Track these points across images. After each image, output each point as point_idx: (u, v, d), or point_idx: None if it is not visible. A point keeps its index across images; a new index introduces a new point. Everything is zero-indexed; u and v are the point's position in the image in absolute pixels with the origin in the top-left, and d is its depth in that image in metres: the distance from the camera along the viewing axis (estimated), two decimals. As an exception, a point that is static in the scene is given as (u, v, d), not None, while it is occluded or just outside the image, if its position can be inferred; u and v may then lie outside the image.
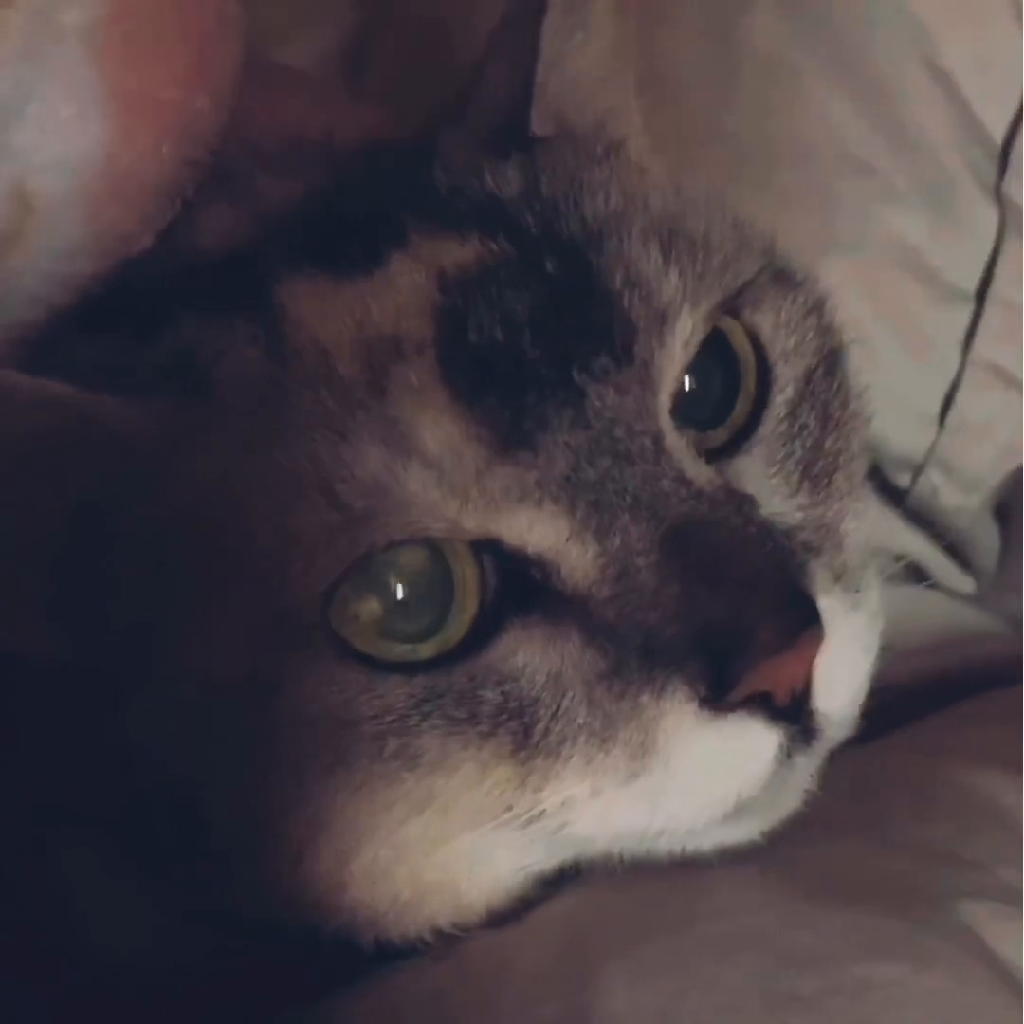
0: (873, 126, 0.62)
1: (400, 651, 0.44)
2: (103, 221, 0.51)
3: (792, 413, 0.50)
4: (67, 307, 0.51)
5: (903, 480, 0.65)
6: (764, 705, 0.44)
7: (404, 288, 0.47)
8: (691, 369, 0.48)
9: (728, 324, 0.50)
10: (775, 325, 0.51)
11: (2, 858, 0.49)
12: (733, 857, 0.47)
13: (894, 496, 0.67)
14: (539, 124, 0.52)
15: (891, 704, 0.60)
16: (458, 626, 0.44)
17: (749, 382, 0.50)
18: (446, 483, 0.43)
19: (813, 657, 0.44)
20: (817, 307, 0.52)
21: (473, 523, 0.44)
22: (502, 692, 0.44)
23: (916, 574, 0.69)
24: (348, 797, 0.44)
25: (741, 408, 0.50)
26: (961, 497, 0.65)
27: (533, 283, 0.46)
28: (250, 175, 0.53)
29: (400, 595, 0.44)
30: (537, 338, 0.45)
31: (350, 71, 0.74)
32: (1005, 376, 0.63)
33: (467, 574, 0.45)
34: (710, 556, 0.44)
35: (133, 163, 0.51)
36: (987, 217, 0.62)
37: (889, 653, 0.64)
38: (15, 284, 0.50)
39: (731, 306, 0.50)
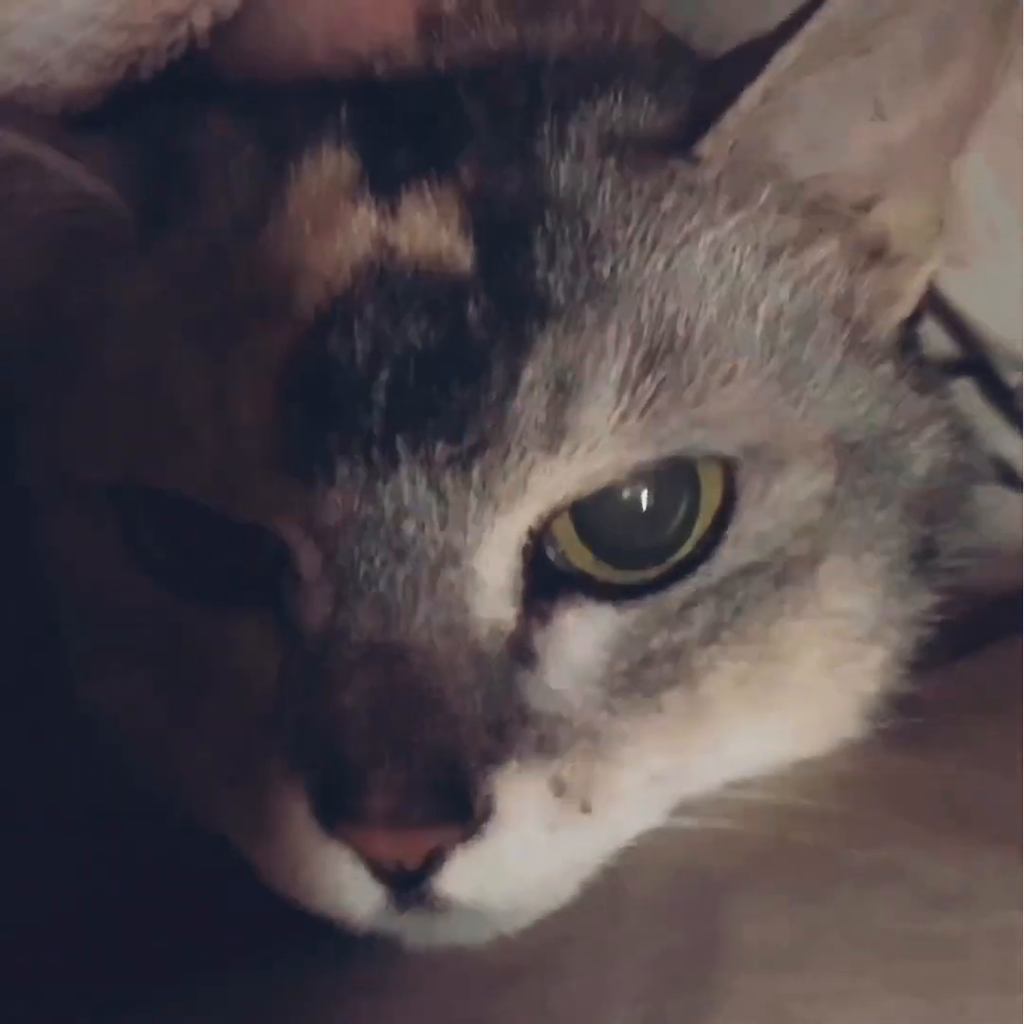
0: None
1: None
2: None
3: (692, 600, 0.44)
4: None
5: (1013, 379, 0.62)
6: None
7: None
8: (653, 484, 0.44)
9: (708, 469, 0.44)
10: (758, 500, 0.45)
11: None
12: (865, 783, 0.44)
13: (1000, 396, 0.63)
14: (711, 145, 0.46)
15: (989, 609, 0.58)
16: None
17: (697, 535, 0.44)
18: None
19: (429, 848, 0.41)
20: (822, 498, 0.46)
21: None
22: None
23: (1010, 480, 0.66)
24: None
25: (680, 555, 0.44)
26: (1072, 401, 0.61)
27: (454, 319, 0.43)
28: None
29: None
30: (406, 376, 0.42)
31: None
32: None
33: None
34: (399, 699, 0.41)
35: None
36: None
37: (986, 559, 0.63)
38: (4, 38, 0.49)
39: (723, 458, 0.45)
